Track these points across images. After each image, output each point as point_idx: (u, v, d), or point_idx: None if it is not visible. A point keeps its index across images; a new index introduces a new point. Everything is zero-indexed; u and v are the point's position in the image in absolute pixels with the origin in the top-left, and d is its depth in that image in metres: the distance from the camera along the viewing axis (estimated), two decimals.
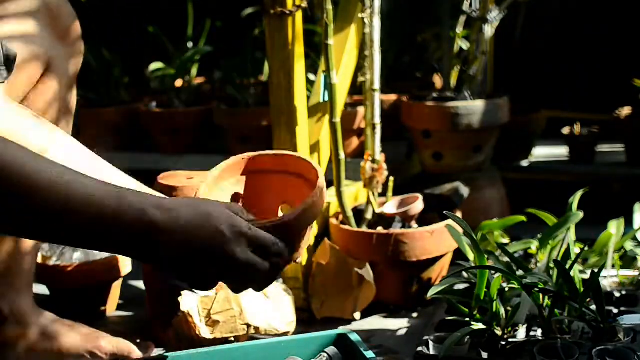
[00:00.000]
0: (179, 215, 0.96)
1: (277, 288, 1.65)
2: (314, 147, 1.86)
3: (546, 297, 1.45)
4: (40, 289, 1.85)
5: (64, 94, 1.43)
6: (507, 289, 1.52)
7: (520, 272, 1.52)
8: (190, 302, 1.55)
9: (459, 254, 1.73)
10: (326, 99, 1.77)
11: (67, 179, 0.90)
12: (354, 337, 1.18)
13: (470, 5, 2.19)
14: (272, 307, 1.61)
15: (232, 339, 1.54)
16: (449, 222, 1.69)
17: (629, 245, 1.75)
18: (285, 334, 1.60)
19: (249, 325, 1.56)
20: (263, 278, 1.03)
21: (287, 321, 1.62)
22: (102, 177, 0.99)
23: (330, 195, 1.92)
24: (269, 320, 1.58)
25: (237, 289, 1.05)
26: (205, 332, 1.54)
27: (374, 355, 1.13)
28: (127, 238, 0.94)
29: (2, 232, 0.94)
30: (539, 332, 1.47)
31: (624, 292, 1.63)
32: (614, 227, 1.75)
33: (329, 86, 1.74)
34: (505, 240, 1.85)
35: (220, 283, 1.03)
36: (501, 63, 2.67)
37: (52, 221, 0.90)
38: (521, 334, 1.47)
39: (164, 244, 0.95)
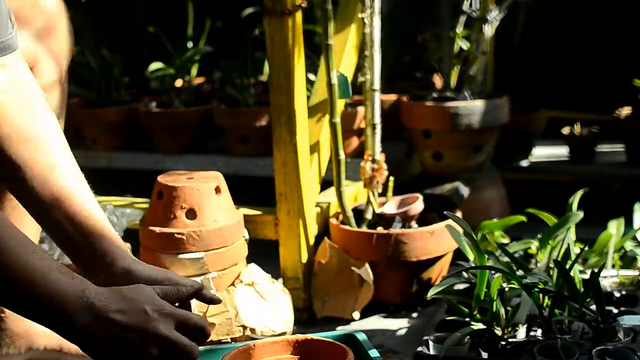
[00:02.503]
0: (107, 297, 1.01)
1: (274, 288, 1.65)
2: (314, 147, 1.86)
3: (546, 297, 1.45)
4: None
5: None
6: (507, 289, 1.52)
7: (520, 272, 1.52)
8: None
9: (459, 254, 1.73)
10: (349, 94, 1.77)
11: (26, 250, 0.98)
12: (361, 337, 1.19)
13: (470, 5, 2.19)
14: (268, 308, 1.61)
15: (229, 340, 1.54)
16: (449, 222, 1.69)
17: (629, 245, 1.75)
18: (282, 334, 1.60)
19: (244, 327, 1.56)
20: (187, 352, 1.05)
21: (283, 321, 1.62)
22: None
23: (330, 195, 1.92)
24: (264, 321, 1.58)
25: None
26: None
27: (378, 355, 1.13)
28: (62, 313, 0.99)
29: None
30: (539, 332, 1.47)
31: (624, 292, 1.63)
32: (614, 227, 1.75)
33: (341, 84, 1.74)
34: (505, 240, 1.85)
35: None
36: (501, 63, 2.67)
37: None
38: (521, 334, 1.47)
39: (94, 331, 1.00)
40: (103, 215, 1.19)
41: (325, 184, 1.93)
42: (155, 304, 1.03)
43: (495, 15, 2.16)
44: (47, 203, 1.15)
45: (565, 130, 2.57)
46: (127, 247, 1.24)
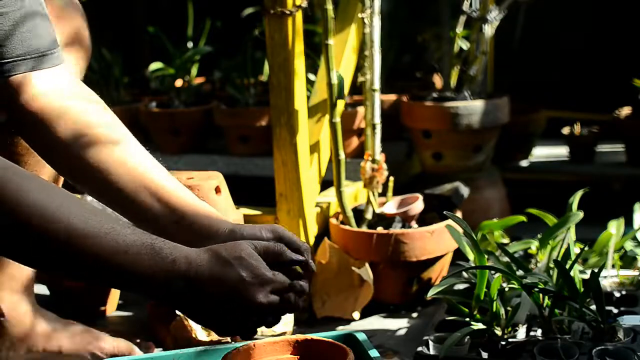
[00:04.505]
0: (203, 264, 1.00)
1: None
2: (314, 147, 1.86)
3: (546, 297, 1.45)
4: (40, 289, 1.85)
5: None
6: (507, 289, 1.52)
7: (520, 272, 1.52)
8: None
9: (459, 254, 1.73)
10: (342, 95, 1.77)
11: (106, 229, 0.95)
12: (361, 337, 1.19)
13: (470, 5, 2.19)
14: None
15: (229, 340, 1.54)
16: (449, 222, 1.69)
17: (629, 245, 1.75)
18: (282, 334, 1.60)
19: None
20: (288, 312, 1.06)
21: (283, 321, 1.62)
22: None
23: (330, 195, 1.92)
24: None
25: (264, 325, 1.07)
26: (201, 334, 1.54)
27: (378, 355, 1.13)
28: (155, 287, 0.98)
29: (35, 268, 1.00)
30: (539, 332, 1.47)
31: (624, 292, 1.63)
32: (614, 227, 1.75)
33: (337, 85, 1.74)
34: (505, 240, 1.85)
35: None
36: (501, 63, 2.67)
37: (88, 269, 0.97)
38: (521, 334, 1.47)
39: (190, 295, 0.99)
40: (187, 190, 1.19)
41: (325, 184, 1.93)
42: (252, 270, 1.01)
43: (495, 15, 2.16)
44: (131, 191, 1.15)
45: (565, 130, 2.57)
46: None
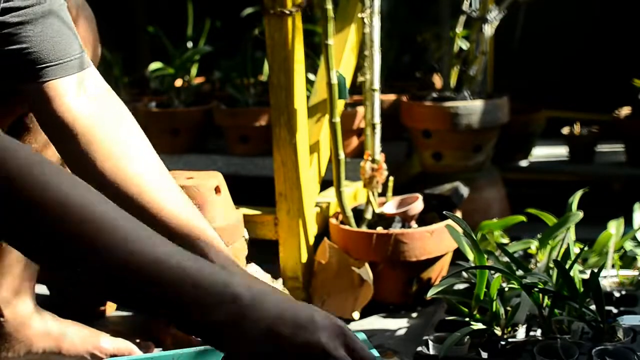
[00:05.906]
0: (270, 302, 0.88)
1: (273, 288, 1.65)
2: (314, 147, 1.86)
3: (546, 297, 1.45)
4: (40, 289, 1.85)
5: None
6: (507, 289, 1.52)
7: (520, 272, 1.52)
8: None
9: (459, 254, 1.73)
10: (345, 95, 1.77)
11: (177, 259, 0.85)
12: (361, 337, 1.18)
13: (470, 5, 2.19)
14: None
15: None
16: (449, 222, 1.69)
17: (628, 245, 1.75)
18: None
19: None
20: None
21: None
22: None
23: (330, 195, 1.93)
24: None
25: None
26: None
27: (378, 355, 1.13)
28: (212, 321, 0.87)
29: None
30: (538, 332, 1.47)
31: (624, 292, 1.63)
32: (614, 227, 1.75)
33: (338, 85, 1.74)
34: (505, 240, 1.84)
35: None
36: (501, 63, 2.67)
37: (145, 299, 0.86)
38: (521, 334, 1.47)
39: (247, 329, 0.87)
40: (204, 223, 1.13)
41: (325, 184, 1.93)
42: (332, 341, 0.91)
43: (495, 15, 2.16)
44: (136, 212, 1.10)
45: (565, 130, 2.57)
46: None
